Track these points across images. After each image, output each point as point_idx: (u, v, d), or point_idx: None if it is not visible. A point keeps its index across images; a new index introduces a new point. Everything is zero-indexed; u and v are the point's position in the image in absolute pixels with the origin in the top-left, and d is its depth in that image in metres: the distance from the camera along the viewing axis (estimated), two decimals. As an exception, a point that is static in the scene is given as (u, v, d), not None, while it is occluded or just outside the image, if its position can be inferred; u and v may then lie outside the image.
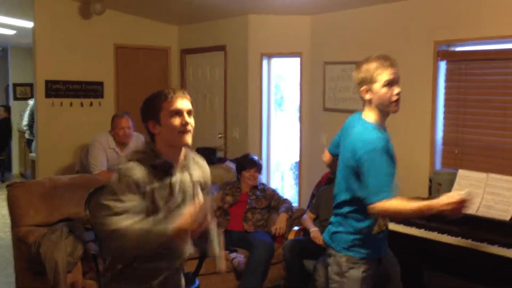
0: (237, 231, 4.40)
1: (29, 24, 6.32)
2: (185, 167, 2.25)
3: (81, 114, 6.11)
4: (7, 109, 9.94)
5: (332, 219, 2.74)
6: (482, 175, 3.68)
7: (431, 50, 4.26)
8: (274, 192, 4.70)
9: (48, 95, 5.88)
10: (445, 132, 4.30)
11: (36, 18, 5.81)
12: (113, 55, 6.33)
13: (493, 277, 3.48)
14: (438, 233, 3.53)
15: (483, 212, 3.52)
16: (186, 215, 2.05)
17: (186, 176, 2.24)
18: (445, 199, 2.36)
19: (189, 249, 2.33)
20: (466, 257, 3.47)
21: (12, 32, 8.12)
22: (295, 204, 5.19)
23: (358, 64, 2.61)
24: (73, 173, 5.15)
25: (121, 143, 4.78)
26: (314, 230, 4.05)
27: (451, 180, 3.80)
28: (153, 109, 2.17)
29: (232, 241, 4.31)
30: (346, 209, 2.62)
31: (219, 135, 6.15)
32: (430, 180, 3.99)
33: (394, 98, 2.54)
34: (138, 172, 2.09)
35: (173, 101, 2.16)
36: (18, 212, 3.91)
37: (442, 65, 4.27)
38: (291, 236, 4.29)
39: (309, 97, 5.52)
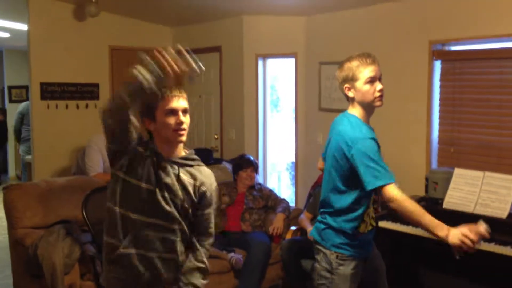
0: (234, 232, 4.41)
1: (24, 27, 6.29)
2: (179, 165, 2.25)
3: (77, 116, 6.08)
4: (3, 111, 9.91)
5: (320, 217, 2.75)
6: (478, 174, 3.69)
7: (426, 50, 4.28)
8: (271, 192, 4.71)
9: (43, 97, 5.86)
10: (441, 131, 4.31)
11: (30, 20, 5.79)
12: (108, 57, 6.31)
13: (489, 275, 3.50)
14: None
15: (480, 210, 3.53)
16: None
17: (175, 171, 2.24)
18: (464, 230, 2.28)
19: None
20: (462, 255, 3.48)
21: (6, 35, 8.10)
22: (292, 204, 5.20)
23: (340, 63, 2.64)
24: (70, 175, 5.14)
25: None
26: (311, 230, 4.05)
27: (447, 179, 3.82)
28: (149, 107, 2.20)
29: (230, 242, 4.32)
30: (333, 207, 2.63)
31: (215, 136, 6.16)
32: (426, 179, 4.00)
33: (377, 94, 2.56)
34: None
35: (169, 100, 2.18)
36: (15, 214, 3.89)
37: (437, 65, 4.29)
38: (288, 236, 4.29)
39: (304, 97, 5.53)
